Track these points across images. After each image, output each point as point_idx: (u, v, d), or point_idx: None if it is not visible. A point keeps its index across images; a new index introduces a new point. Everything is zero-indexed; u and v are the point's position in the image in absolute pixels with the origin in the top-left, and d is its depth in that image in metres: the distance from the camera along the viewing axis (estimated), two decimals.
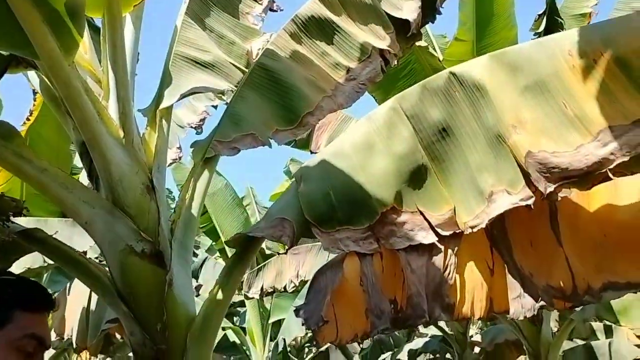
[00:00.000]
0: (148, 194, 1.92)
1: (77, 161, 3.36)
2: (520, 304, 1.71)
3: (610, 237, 1.68)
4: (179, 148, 3.75)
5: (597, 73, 1.44)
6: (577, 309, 5.45)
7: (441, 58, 5.21)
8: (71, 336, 2.82)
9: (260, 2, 2.63)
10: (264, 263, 4.88)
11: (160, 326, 1.87)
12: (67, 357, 9.69)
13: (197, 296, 3.91)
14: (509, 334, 5.56)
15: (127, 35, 2.17)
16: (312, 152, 4.74)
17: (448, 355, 9.73)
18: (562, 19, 4.96)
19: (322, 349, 5.62)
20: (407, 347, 9.35)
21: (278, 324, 5.70)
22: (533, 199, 1.53)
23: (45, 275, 4.07)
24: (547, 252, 1.74)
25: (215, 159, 2.23)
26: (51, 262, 2.78)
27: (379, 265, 1.79)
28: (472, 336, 7.94)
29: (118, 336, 3.02)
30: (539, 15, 5.02)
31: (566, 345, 6.66)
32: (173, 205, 3.63)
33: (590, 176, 1.42)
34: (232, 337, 5.52)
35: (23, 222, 2.09)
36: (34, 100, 3.13)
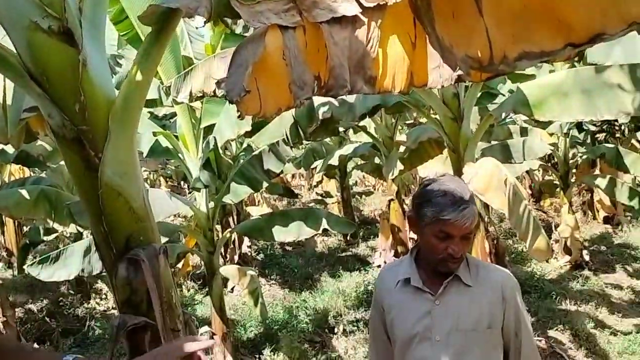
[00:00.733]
0: None
1: None
2: (439, 74, 1.75)
3: (530, 7, 1.68)
4: None
5: None
6: (495, 104, 5.75)
7: None
8: None
9: None
10: (191, 67, 4.72)
11: (79, 107, 1.81)
12: None
13: None
14: (432, 133, 5.86)
15: None
16: None
17: (376, 160, 10.30)
18: None
19: (256, 153, 5.75)
20: (338, 152, 9.78)
21: (209, 130, 5.73)
22: None
23: None
24: (467, 24, 1.74)
25: None
26: None
27: (302, 39, 1.75)
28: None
29: (41, 133, 2.97)
30: None
31: (485, 145, 7.16)
32: None
33: None
34: (165, 142, 5.53)
35: None
36: None
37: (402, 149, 6.69)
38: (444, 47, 1.75)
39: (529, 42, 1.68)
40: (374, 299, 2.10)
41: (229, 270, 5.73)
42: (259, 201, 13.63)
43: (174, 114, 7.48)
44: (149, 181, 17.68)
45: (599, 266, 8.48)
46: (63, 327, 7.14)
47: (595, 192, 11.26)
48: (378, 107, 5.54)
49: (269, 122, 5.57)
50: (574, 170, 9.38)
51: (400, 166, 6.64)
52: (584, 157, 9.15)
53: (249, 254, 9.66)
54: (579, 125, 8.80)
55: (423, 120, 9.09)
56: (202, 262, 8.73)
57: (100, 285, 8.63)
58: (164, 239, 5.00)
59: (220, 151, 4.95)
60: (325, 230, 5.69)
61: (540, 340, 5.80)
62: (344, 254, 10.55)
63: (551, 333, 6.14)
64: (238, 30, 6.19)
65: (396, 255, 8.75)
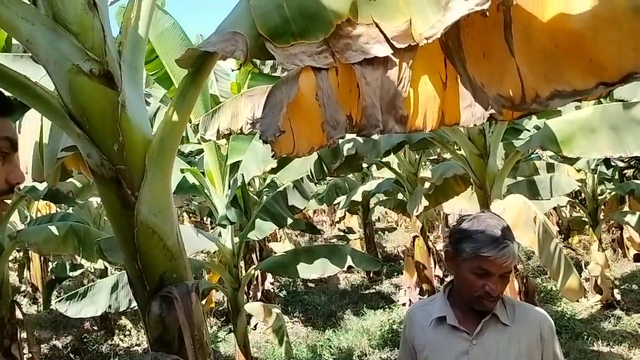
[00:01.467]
0: (90, 11, 1.80)
1: None
2: (471, 112, 1.77)
3: (561, 46, 1.70)
4: None
5: None
6: (523, 140, 5.73)
7: None
8: (27, 173, 2.80)
9: None
10: (219, 105, 4.82)
11: (117, 147, 1.87)
12: (26, 207, 9.76)
13: None
14: (457, 169, 5.83)
15: None
16: None
17: (400, 196, 10.27)
18: None
19: (280, 189, 5.78)
20: (361, 188, 9.79)
21: (235, 166, 5.80)
22: (489, 3, 1.51)
23: None
24: (499, 63, 1.76)
25: None
26: None
27: (335, 80, 1.79)
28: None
29: (75, 171, 3.04)
30: None
31: (511, 182, 7.11)
32: None
33: None
34: (192, 179, 5.60)
35: None
36: None
37: (426, 185, 6.67)
38: (476, 87, 1.76)
39: (561, 81, 1.69)
40: (403, 339, 2.07)
41: (253, 307, 5.71)
42: (280, 237, 13.64)
43: (199, 151, 7.59)
44: None
45: (631, 305, 8.24)
46: None
47: (625, 229, 11.02)
48: (403, 144, 5.57)
49: (293, 158, 5.62)
50: (602, 207, 9.23)
51: (424, 202, 6.60)
52: (613, 193, 9.01)
53: (272, 290, 9.61)
54: (606, 161, 8.69)
55: (447, 156, 9.09)
56: (226, 299, 8.73)
57: (124, 321, 8.64)
58: None
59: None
60: (349, 267, 5.65)
61: None
62: (367, 292, 10.43)
63: None
64: (266, 70, 6.31)
65: (421, 293, 8.63)
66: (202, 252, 12.77)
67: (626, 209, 9.80)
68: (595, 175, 8.57)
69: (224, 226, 5.25)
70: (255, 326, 8.44)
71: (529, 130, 6.47)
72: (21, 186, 1.05)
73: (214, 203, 5.68)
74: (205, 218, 17.63)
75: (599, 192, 8.70)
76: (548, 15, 1.71)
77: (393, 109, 1.76)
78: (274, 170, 5.73)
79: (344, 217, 15.37)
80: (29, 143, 2.79)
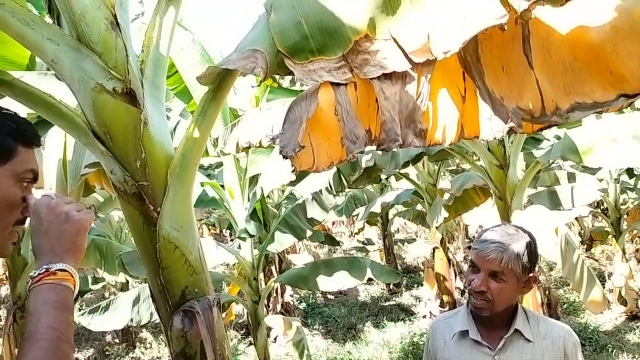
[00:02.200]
0: (113, 30, 1.85)
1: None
2: (491, 126, 1.77)
3: (580, 59, 1.69)
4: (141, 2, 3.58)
5: None
6: (543, 151, 5.67)
7: None
8: (50, 189, 2.86)
9: None
10: (238, 119, 4.86)
11: (140, 163, 1.90)
12: None
13: None
14: (477, 180, 5.80)
15: None
16: None
17: (419, 207, 10.23)
18: None
19: (300, 201, 5.80)
20: (380, 199, 9.76)
21: (254, 179, 5.84)
22: (507, 16, 1.52)
23: None
24: (518, 76, 1.76)
25: None
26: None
27: (354, 95, 1.80)
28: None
29: (98, 186, 3.09)
30: None
31: (532, 192, 7.04)
32: None
33: None
34: (211, 192, 5.65)
35: None
36: None
37: (446, 196, 6.64)
38: (495, 100, 1.76)
39: (581, 94, 1.69)
40: (425, 351, 2.07)
41: (273, 320, 5.71)
42: (299, 249, 13.64)
43: (219, 164, 7.66)
44: None
45: None
46: None
47: None
48: (421, 155, 5.56)
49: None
50: (625, 217, 9.08)
51: (444, 214, 6.57)
52: (636, 202, 8.87)
53: (292, 303, 9.60)
54: (629, 171, 8.57)
55: (466, 166, 9.04)
56: (246, 311, 8.75)
57: (144, 334, 8.69)
58: None
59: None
60: (368, 279, 5.63)
61: None
62: (387, 304, 10.37)
63: None
64: (285, 84, 6.35)
65: (442, 305, 8.55)
66: (221, 264, 12.83)
67: None
68: (618, 185, 8.45)
69: (244, 239, 5.27)
70: (275, 339, 8.42)
71: (549, 140, 6.42)
72: None
73: (233, 216, 5.70)
74: (224, 230, 17.73)
75: (621, 201, 8.58)
76: (567, 28, 1.71)
77: (412, 123, 1.76)
78: (292, 183, 5.76)
79: (362, 229, 15.33)
80: (53, 160, 2.85)
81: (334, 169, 5.45)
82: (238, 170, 5.84)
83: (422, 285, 9.89)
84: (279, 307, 9.05)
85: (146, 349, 8.30)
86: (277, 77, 6.98)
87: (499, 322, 1.85)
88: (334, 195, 6.08)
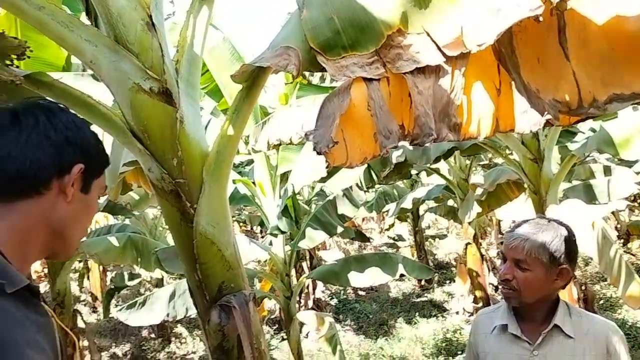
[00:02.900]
0: (149, 31, 1.88)
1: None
2: (527, 119, 1.75)
3: (618, 49, 1.66)
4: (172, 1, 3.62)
5: None
6: (578, 144, 5.57)
7: None
8: None
9: None
10: (269, 116, 4.90)
11: (176, 161, 1.94)
12: None
13: None
14: (510, 174, 5.72)
15: None
16: None
17: (450, 202, 10.14)
18: None
19: (330, 197, 5.81)
20: (411, 195, 9.71)
21: (285, 176, 5.87)
22: (542, 7, 1.50)
23: None
24: (554, 68, 1.73)
25: None
26: None
27: (386, 90, 1.80)
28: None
29: (135, 184, 3.16)
30: None
31: (567, 186, 6.91)
32: None
33: None
34: (243, 190, 5.70)
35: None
36: None
37: (478, 191, 6.56)
38: (531, 92, 1.74)
39: (619, 85, 1.66)
40: (468, 345, 2.06)
41: (306, 315, 5.73)
42: (329, 245, 13.67)
43: (250, 161, 7.72)
44: None
45: None
46: None
47: None
48: (453, 150, 5.51)
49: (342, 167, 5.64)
50: None
51: (477, 209, 6.50)
52: None
53: (323, 299, 9.64)
54: None
55: (498, 161, 8.92)
56: (277, 307, 8.81)
57: (179, 329, 8.84)
58: None
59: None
60: (400, 275, 5.62)
61: None
62: (419, 300, 10.32)
63: None
64: (315, 80, 6.37)
65: (475, 301, 8.47)
66: (253, 260, 12.95)
67: None
68: None
69: (276, 235, 5.31)
70: (307, 334, 8.47)
71: (583, 133, 6.29)
72: None
73: (265, 213, 5.75)
74: (255, 227, 17.86)
75: None
76: (603, 18, 1.68)
77: (446, 117, 1.75)
78: (323, 179, 5.77)
79: (393, 225, 15.26)
80: None
81: (364, 165, 5.44)
82: (269, 168, 5.88)
83: (454, 281, 9.81)
84: (310, 303, 9.10)
85: (181, 343, 8.44)
86: (306, 74, 7.00)
87: (538, 317, 1.83)
88: (365, 192, 6.08)
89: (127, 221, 8.49)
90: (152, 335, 8.66)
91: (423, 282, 11.16)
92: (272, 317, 9.24)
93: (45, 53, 3.40)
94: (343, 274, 5.53)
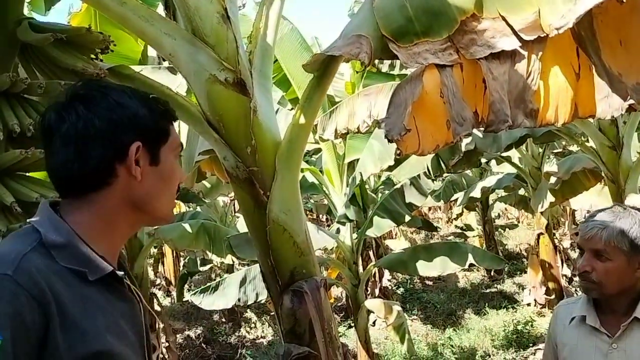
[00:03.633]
0: (224, 23, 1.94)
1: None
2: (608, 103, 1.68)
3: None
4: None
5: None
6: None
7: None
8: None
9: None
10: (336, 105, 4.91)
11: (250, 150, 1.99)
12: None
13: None
14: (586, 162, 5.49)
15: None
16: None
17: (521, 191, 9.84)
18: None
19: (397, 186, 5.78)
20: (480, 184, 9.49)
21: (352, 164, 5.89)
22: None
23: None
24: (638, 51, 1.66)
25: None
26: None
27: (460, 76, 1.78)
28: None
29: (209, 172, 3.27)
30: None
31: None
32: None
33: None
34: (311, 178, 5.78)
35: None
36: None
37: (552, 179, 6.34)
38: (612, 76, 1.67)
39: None
40: (547, 335, 2.02)
41: (373, 303, 5.76)
42: (396, 234, 13.59)
43: (316, 150, 7.78)
44: None
45: None
46: (218, 353, 7.60)
47: None
48: (525, 138, 5.35)
49: (409, 155, 5.59)
50: None
51: (550, 198, 6.29)
52: None
53: (390, 287, 9.62)
54: None
55: (573, 148, 8.57)
56: (344, 295, 8.87)
57: (249, 314, 9.07)
58: None
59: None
60: (469, 265, 5.53)
61: None
62: (488, 290, 10.10)
63: None
64: (384, 68, 6.33)
65: (547, 292, 8.20)
66: (319, 248, 13.08)
67: None
68: None
69: (343, 223, 5.35)
70: (374, 322, 8.49)
71: None
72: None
73: (332, 201, 5.80)
74: (321, 215, 18.00)
75: None
76: None
77: (522, 103, 1.72)
78: (390, 168, 5.74)
79: (461, 214, 14.97)
80: None
81: (433, 153, 5.37)
82: (336, 156, 5.92)
83: (525, 272, 9.55)
84: (377, 291, 9.10)
85: (250, 328, 8.66)
86: (376, 61, 6.96)
87: (620, 309, 1.75)
88: (432, 180, 6.01)
89: (198, 209, 8.75)
90: (223, 320, 8.94)
91: (492, 273, 10.90)
92: (339, 304, 9.32)
93: (122, 47, 3.56)
94: (411, 263, 5.50)
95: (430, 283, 11.01)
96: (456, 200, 11.19)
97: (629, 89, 1.64)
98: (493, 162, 9.96)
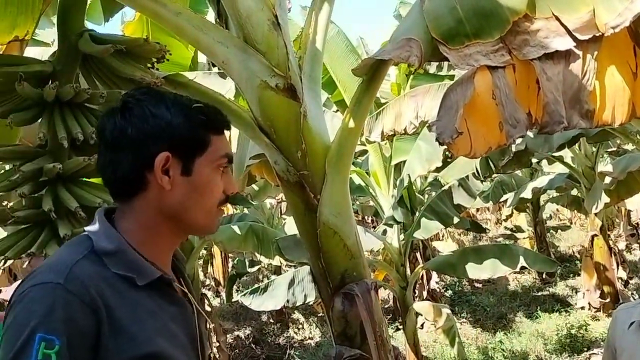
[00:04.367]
0: (275, 30, 1.97)
1: None
2: None
3: None
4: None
5: None
6: None
7: None
8: None
9: None
10: (383, 107, 4.90)
11: (300, 154, 2.02)
12: None
13: None
14: None
15: None
16: None
17: (574, 192, 9.57)
18: None
19: (445, 187, 5.72)
20: (531, 185, 9.28)
21: (398, 166, 5.86)
22: None
23: None
24: None
25: None
26: None
27: (512, 78, 1.76)
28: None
29: (258, 176, 3.33)
30: None
31: None
32: None
33: None
34: (358, 180, 5.78)
35: None
36: None
37: (607, 179, 6.14)
38: None
39: None
40: (606, 340, 1.97)
41: (422, 306, 5.71)
42: (443, 236, 13.41)
43: (362, 152, 7.77)
44: None
45: None
46: (267, 354, 7.69)
47: None
48: (578, 137, 5.21)
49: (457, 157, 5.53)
50: None
51: (605, 199, 6.09)
52: None
53: (438, 290, 9.50)
54: None
55: (628, 147, 8.29)
56: (391, 297, 8.83)
57: (297, 315, 9.14)
58: None
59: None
60: (521, 267, 5.42)
61: None
62: (540, 294, 9.85)
63: None
64: (432, 69, 6.28)
65: (602, 296, 7.94)
66: (365, 250, 13.03)
67: None
68: None
69: (391, 225, 5.33)
70: (422, 325, 8.41)
71: None
72: None
73: (379, 203, 5.79)
74: (367, 217, 17.94)
75: None
76: None
77: (577, 104, 1.68)
78: (438, 169, 5.69)
79: (510, 215, 14.64)
80: None
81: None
82: (382, 158, 5.91)
83: (578, 275, 9.26)
84: (425, 293, 9.01)
85: (298, 329, 8.72)
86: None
87: None
88: (481, 181, 5.91)
89: (246, 211, 8.88)
90: (271, 321, 9.04)
91: (544, 276, 10.63)
92: (386, 306, 9.28)
93: (174, 54, 3.64)
94: (460, 265, 5.44)
95: (480, 286, 10.82)
96: (505, 201, 10.95)
97: None
98: (544, 162, 9.72)
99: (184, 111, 1.08)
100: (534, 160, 8.14)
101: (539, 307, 8.65)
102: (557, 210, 18.25)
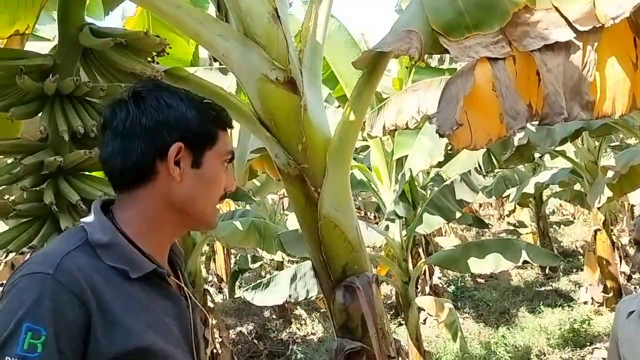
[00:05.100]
0: (275, 23, 1.97)
1: None
2: None
3: None
4: None
5: None
6: None
7: None
8: None
9: None
10: (384, 102, 4.88)
11: (301, 147, 2.02)
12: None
13: None
14: None
15: None
16: None
17: (577, 186, 9.55)
18: None
19: (448, 182, 5.72)
20: (534, 180, 9.26)
21: (400, 161, 5.85)
22: None
23: None
24: None
25: None
26: None
27: (512, 69, 1.75)
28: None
29: (259, 171, 3.33)
30: None
31: None
32: None
33: None
34: (359, 175, 5.77)
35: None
36: None
37: (609, 174, 6.12)
38: None
39: None
40: (611, 331, 1.98)
41: (424, 301, 5.72)
42: (445, 231, 13.41)
43: (364, 148, 7.77)
44: None
45: None
46: (269, 349, 7.71)
47: None
48: (581, 131, 5.20)
49: (459, 151, 5.52)
50: None
51: (608, 193, 6.08)
52: None
53: (440, 285, 9.51)
54: None
55: (631, 141, 8.27)
56: (394, 292, 8.84)
57: (299, 311, 9.15)
58: None
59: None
60: (523, 262, 5.41)
61: None
62: (542, 289, 9.85)
63: None
64: (433, 63, 6.27)
65: (605, 291, 7.94)
66: (368, 246, 13.03)
67: None
68: None
69: (393, 220, 5.33)
70: (424, 320, 8.42)
71: None
72: None
73: (381, 198, 5.79)
74: (369, 213, 17.94)
75: None
76: None
77: (578, 95, 1.68)
78: (440, 164, 5.68)
79: (513, 210, 14.61)
80: None
81: (484, 149, 5.28)
82: (384, 153, 5.90)
83: (581, 270, 9.26)
84: (427, 288, 9.01)
85: (301, 325, 8.74)
86: (425, 56, 6.89)
87: None
88: (484, 176, 5.91)
89: (248, 207, 8.88)
90: (274, 316, 9.05)
91: (547, 271, 10.63)
92: (388, 302, 9.29)
93: (175, 49, 3.65)
94: (462, 260, 5.43)
95: (482, 281, 10.83)
96: (508, 196, 10.95)
97: None
98: (547, 156, 9.72)
99: (196, 105, 1.09)
100: (537, 155, 8.13)
101: (541, 302, 8.65)
102: (560, 205, 18.23)
